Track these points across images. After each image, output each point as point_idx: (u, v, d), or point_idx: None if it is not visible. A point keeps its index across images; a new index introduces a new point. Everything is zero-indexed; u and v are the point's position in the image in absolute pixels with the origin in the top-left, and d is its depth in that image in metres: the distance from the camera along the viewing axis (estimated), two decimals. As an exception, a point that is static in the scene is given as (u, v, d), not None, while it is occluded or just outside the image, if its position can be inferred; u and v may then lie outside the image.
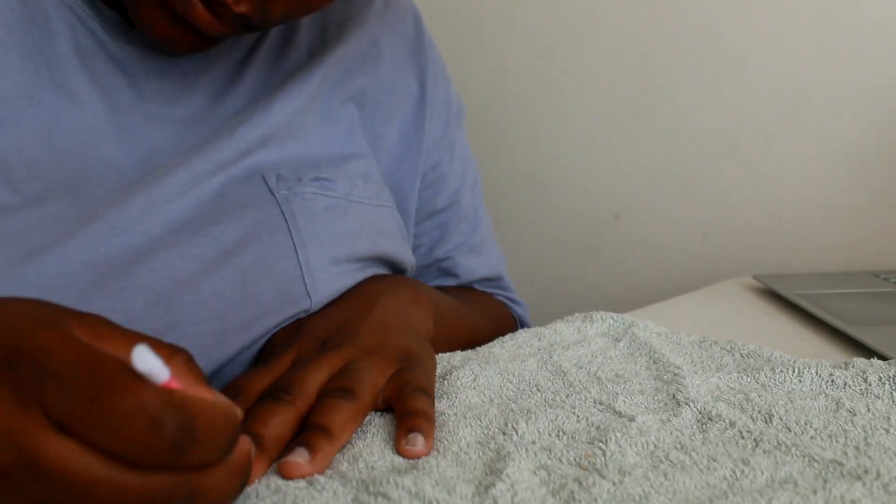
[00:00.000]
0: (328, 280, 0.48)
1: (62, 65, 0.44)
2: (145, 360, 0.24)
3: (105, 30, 0.45)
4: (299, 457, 0.33)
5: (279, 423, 0.35)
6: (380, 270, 0.53)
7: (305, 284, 0.46)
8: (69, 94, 0.43)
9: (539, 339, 0.52)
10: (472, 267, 0.67)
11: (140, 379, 0.24)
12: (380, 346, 0.42)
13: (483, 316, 0.64)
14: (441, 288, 0.65)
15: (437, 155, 0.62)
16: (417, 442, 0.35)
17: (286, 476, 0.33)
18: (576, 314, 0.57)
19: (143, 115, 0.46)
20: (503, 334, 0.56)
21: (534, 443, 0.35)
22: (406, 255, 0.56)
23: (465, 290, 0.67)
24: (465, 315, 0.60)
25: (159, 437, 0.23)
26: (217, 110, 0.49)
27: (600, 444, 0.34)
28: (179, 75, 0.48)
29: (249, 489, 0.31)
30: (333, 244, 0.49)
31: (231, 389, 0.38)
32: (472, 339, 0.57)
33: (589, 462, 0.33)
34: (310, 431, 0.34)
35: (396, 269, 0.56)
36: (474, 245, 0.67)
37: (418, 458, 0.35)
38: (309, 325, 0.45)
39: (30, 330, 0.24)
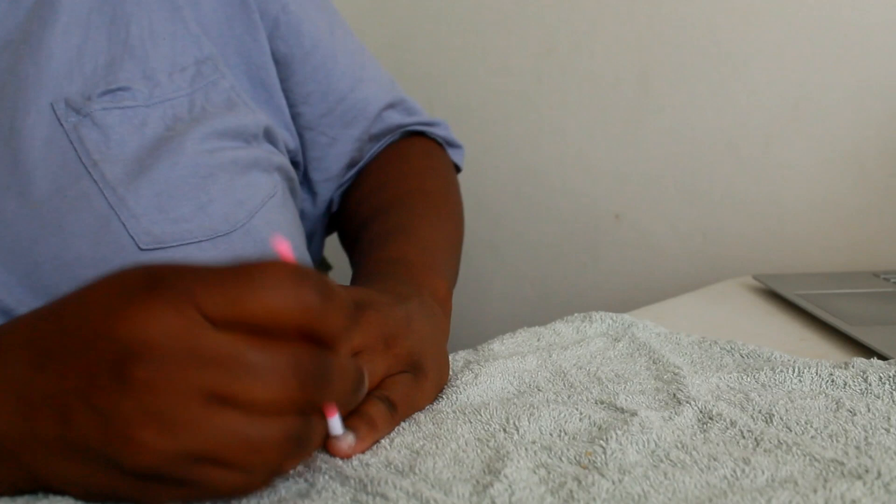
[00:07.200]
0: (143, 191, 0.46)
1: None
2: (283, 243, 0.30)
3: None
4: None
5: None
6: (220, 143, 0.51)
7: (106, 198, 0.44)
8: None
9: (538, 340, 0.52)
10: (372, 97, 0.65)
11: (272, 260, 0.28)
12: (398, 339, 0.41)
13: (449, 222, 0.62)
14: (376, 170, 0.65)
15: None
16: (345, 439, 0.35)
17: None
18: (575, 314, 0.56)
19: None
20: (455, 205, 0.61)
21: (534, 442, 0.35)
22: (249, 118, 0.54)
23: (399, 166, 0.65)
24: (454, 241, 0.60)
25: (302, 295, 0.28)
26: None
27: (601, 442, 0.34)
28: None
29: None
30: (133, 153, 0.47)
31: None
32: (459, 250, 0.59)
33: (589, 460, 0.33)
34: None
35: (244, 134, 0.53)
36: (363, 76, 0.65)
37: (341, 456, 0.34)
38: (372, 316, 0.41)
39: (169, 264, 0.29)
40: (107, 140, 0.46)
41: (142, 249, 0.44)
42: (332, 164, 0.63)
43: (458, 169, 0.73)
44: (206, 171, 0.49)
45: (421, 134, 0.70)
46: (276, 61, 0.59)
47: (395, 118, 0.67)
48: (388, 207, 0.60)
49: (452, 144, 0.72)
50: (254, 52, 0.57)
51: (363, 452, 0.35)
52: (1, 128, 0.44)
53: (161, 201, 0.46)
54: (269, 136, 0.56)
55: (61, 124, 0.45)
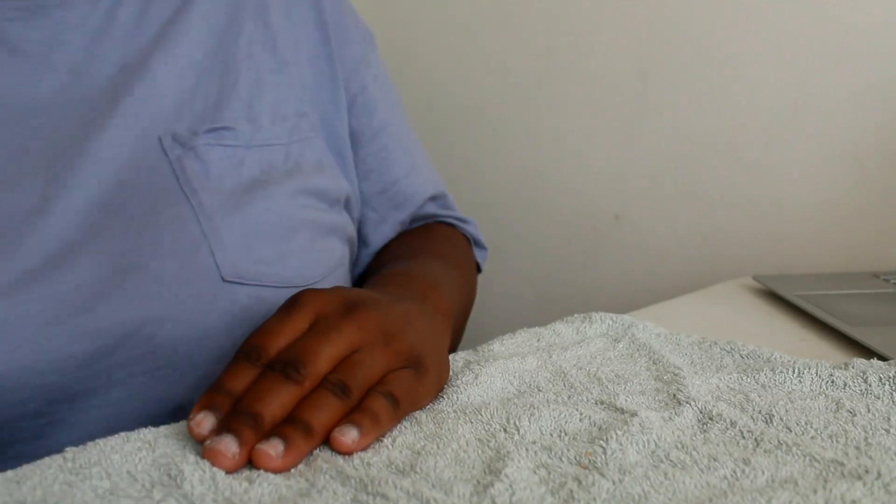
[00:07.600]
0: (235, 225, 0.48)
1: None
2: None
3: None
4: (272, 449, 0.33)
5: (281, 404, 0.35)
6: (307, 201, 0.53)
7: (200, 224, 0.47)
8: None
9: (538, 340, 0.52)
10: (421, 186, 0.68)
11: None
12: (398, 335, 0.41)
13: (461, 278, 0.64)
14: (402, 236, 0.67)
15: (361, 77, 0.63)
16: (348, 434, 0.35)
17: (253, 463, 0.33)
18: (575, 315, 0.56)
19: (14, 70, 0.46)
20: (469, 278, 0.61)
21: (534, 442, 0.35)
22: (334, 183, 0.57)
23: (424, 235, 0.68)
24: (463, 293, 0.61)
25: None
26: (96, 56, 0.49)
27: (601, 442, 0.34)
28: (48, 23, 0.48)
29: (248, 485, 0.31)
30: (230, 189, 0.49)
31: (249, 349, 0.37)
32: (466, 313, 0.60)
33: (589, 460, 0.33)
34: (291, 425, 0.34)
35: (328, 197, 0.56)
36: (416, 164, 0.68)
37: (345, 452, 0.35)
38: (370, 313, 0.42)
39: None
40: (207, 172, 0.49)
41: (224, 280, 0.46)
42: (377, 240, 0.67)
43: (478, 269, 0.75)
44: (292, 224, 0.51)
45: (451, 226, 0.73)
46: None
47: (433, 209, 0.71)
48: (401, 257, 0.63)
49: (479, 244, 0.75)
50: (336, 122, 0.60)
51: (366, 448, 0.35)
52: (104, 155, 0.46)
53: (248, 240, 0.48)
54: (347, 205, 0.60)
55: (166, 155, 0.48)
